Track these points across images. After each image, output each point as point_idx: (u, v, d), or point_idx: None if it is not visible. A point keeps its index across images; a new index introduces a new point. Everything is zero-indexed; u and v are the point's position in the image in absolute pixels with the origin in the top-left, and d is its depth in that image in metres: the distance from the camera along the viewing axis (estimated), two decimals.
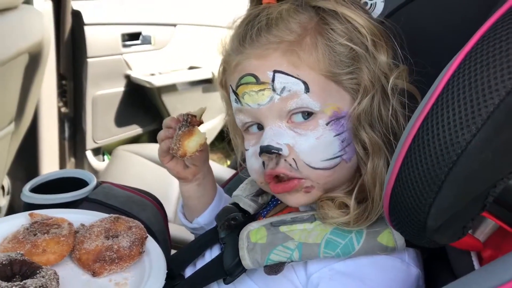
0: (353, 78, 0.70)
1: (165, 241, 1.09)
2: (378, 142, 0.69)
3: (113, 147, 2.37)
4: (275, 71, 0.69)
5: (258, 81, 0.70)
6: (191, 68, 2.65)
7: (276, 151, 0.68)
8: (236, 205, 0.84)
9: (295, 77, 0.69)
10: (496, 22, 0.45)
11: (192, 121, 0.77)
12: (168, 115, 2.58)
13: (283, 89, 0.69)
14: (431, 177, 0.46)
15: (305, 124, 0.69)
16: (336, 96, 0.70)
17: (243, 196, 0.84)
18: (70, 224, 0.87)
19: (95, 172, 2.52)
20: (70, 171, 1.17)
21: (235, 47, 0.74)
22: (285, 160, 0.69)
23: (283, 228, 0.71)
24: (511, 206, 0.53)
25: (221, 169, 2.58)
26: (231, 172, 2.44)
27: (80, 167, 2.48)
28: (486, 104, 0.43)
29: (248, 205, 0.82)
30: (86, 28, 2.19)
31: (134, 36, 2.40)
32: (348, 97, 0.71)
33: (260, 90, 0.70)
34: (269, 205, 0.83)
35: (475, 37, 0.46)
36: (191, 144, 0.76)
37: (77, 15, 2.18)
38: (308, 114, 0.70)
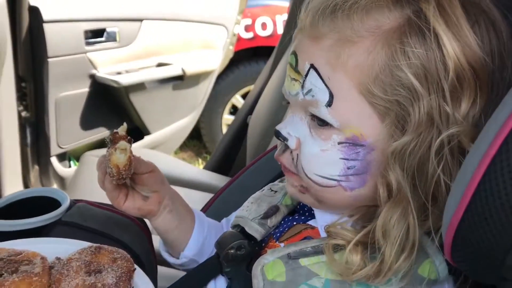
0: (399, 109, 0.57)
1: (150, 262, 0.98)
2: (405, 190, 0.57)
3: (80, 152, 2.25)
4: (312, 66, 0.61)
5: (295, 67, 0.63)
6: (159, 65, 2.52)
7: (282, 140, 0.65)
8: (238, 228, 0.73)
9: (325, 83, 0.60)
10: None
11: (115, 138, 0.73)
12: (137, 115, 2.46)
13: (309, 91, 0.61)
14: None
15: (320, 130, 0.62)
16: (365, 121, 0.59)
17: (249, 219, 0.73)
18: (43, 258, 0.75)
19: (61, 179, 2.42)
20: (37, 189, 1.03)
21: (308, 14, 0.63)
22: (291, 152, 0.66)
23: (303, 261, 0.61)
24: None
25: (194, 170, 2.46)
26: (206, 173, 2.33)
27: (45, 175, 2.37)
28: None
29: (255, 230, 0.71)
30: (45, 25, 2.08)
31: (98, 33, 2.29)
32: (380, 126, 0.59)
33: (293, 79, 0.64)
34: (282, 225, 0.72)
35: None
36: (120, 157, 0.72)
37: (34, 11, 2.07)
38: (325, 122, 0.61)
